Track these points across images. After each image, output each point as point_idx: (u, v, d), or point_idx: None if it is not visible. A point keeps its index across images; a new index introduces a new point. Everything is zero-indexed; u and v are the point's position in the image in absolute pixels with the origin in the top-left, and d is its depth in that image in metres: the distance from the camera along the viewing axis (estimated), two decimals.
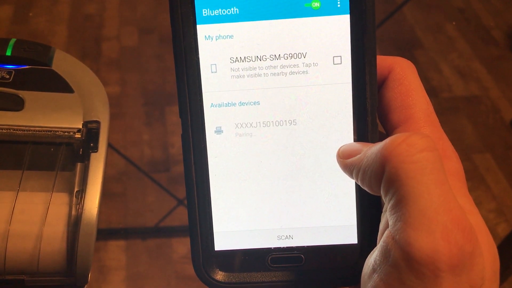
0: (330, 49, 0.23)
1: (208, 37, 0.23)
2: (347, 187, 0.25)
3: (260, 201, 0.25)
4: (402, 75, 0.24)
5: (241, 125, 0.24)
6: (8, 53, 0.37)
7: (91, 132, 0.32)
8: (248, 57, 0.23)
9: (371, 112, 0.24)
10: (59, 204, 0.30)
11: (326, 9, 0.23)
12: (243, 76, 0.23)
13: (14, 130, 0.31)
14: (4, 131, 0.31)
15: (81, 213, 0.30)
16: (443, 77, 1.53)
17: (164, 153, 1.34)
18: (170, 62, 1.60)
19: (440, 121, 0.24)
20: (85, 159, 0.31)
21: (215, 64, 0.23)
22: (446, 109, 1.44)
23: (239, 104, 0.23)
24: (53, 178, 0.31)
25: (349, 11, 0.23)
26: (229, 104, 0.23)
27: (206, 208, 0.25)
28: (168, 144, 1.36)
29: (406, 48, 1.58)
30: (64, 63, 0.38)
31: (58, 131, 0.32)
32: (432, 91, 1.48)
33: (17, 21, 1.51)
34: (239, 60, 0.23)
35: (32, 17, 1.53)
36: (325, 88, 0.23)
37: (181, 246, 1.24)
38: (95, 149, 0.31)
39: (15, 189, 0.30)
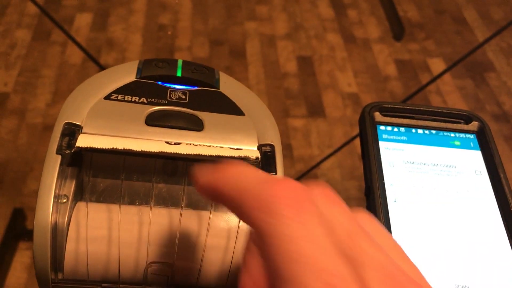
0: (471, 165, 0.34)
1: (386, 148, 0.35)
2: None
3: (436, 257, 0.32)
4: None
5: (411, 200, 0.34)
6: (179, 73, 0.39)
7: (266, 155, 0.34)
8: (415, 162, 0.34)
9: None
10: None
11: (464, 146, 0.35)
12: (413, 171, 0.34)
13: (199, 149, 0.33)
14: (190, 149, 0.33)
15: None
16: None
17: None
18: (239, 74, 1.62)
19: None
20: None
21: (393, 162, 0.34)
22: None
23: (408, 186, 0.34)
24: None
25: (479, 149, 0.34)
26: (403, 186, 0.33)
27: None
28: None
29: (477, 71, 1.56)
30: (229, 85, 0.40)
31: (238, 152, 0.33)
32: (504, 116, 1.45)
33: (95, 28, 1.57)
34: (409, 162, 0.34)
35: (109, 25, 1.59)
36: (470, 189, 0.33)
37: None
38: (274, 171, 0.33)
39: (205, 208, 0.32)
